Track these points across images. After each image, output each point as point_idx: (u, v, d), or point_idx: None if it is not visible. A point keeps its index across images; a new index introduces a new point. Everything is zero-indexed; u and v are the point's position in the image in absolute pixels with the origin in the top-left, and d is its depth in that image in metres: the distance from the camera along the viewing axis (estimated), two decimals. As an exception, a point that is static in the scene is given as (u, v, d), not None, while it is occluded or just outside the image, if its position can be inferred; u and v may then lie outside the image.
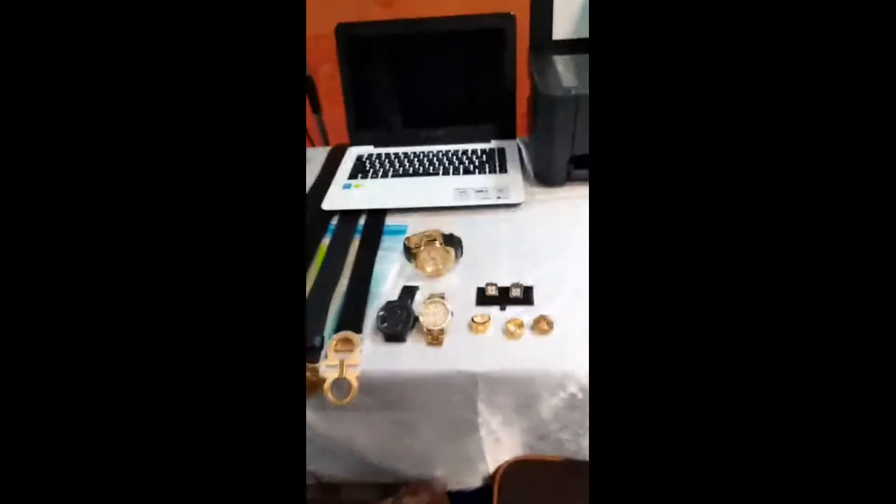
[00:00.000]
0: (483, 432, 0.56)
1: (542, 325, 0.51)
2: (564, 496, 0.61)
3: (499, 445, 0.59)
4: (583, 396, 0.50)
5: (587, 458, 0.59)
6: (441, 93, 0.86)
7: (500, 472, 0.61)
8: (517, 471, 0.62)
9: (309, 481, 0.61)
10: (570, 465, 0.61)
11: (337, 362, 0.50)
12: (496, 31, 0.79)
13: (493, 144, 0.85)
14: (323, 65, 1.16)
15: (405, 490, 0.59)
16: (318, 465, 0.59)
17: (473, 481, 0.62)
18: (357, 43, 0.83)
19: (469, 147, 0.85)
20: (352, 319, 0.54)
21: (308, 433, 0.55)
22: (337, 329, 0.53)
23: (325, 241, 0.69)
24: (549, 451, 0.60)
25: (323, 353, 0.51)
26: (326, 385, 0.49)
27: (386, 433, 0.55)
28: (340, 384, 0.49)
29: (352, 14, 0.83)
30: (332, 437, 0.55)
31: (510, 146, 0.84)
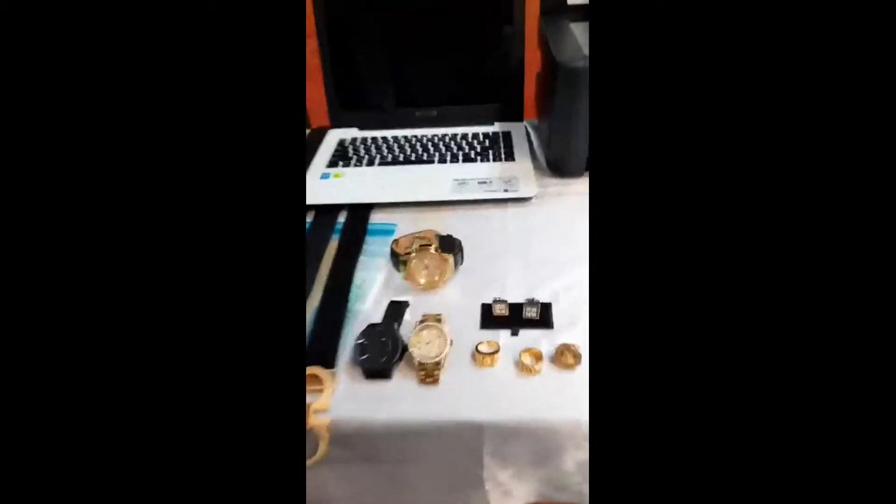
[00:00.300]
0: (489, 486, 0.45)
1: (567, 357, 0.40)
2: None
3: (508, 498, 0.48)
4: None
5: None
6: (437, 67, 0.74)
7: (508, 523, 0.51)
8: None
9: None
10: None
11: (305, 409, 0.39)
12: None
13: (498, 128, 0.73)
14: (309, 39, 1.03)
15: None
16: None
17: (476, 532, 0.52)
18: (339, 8, 0.70)
19: (470, 130, 0.73)
20: (323, 349, 0.43)
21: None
22: (308, 359, 0.42)
23: (297, 243, 0.57)
24: (566, 500, 0.50)
25: (284, 394, 0.40)
26: (287, 440, 0.38)
27: (369, 489, 0.45)
28: (310, 437, 0.38)
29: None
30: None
31: (517, 129, 0.72)
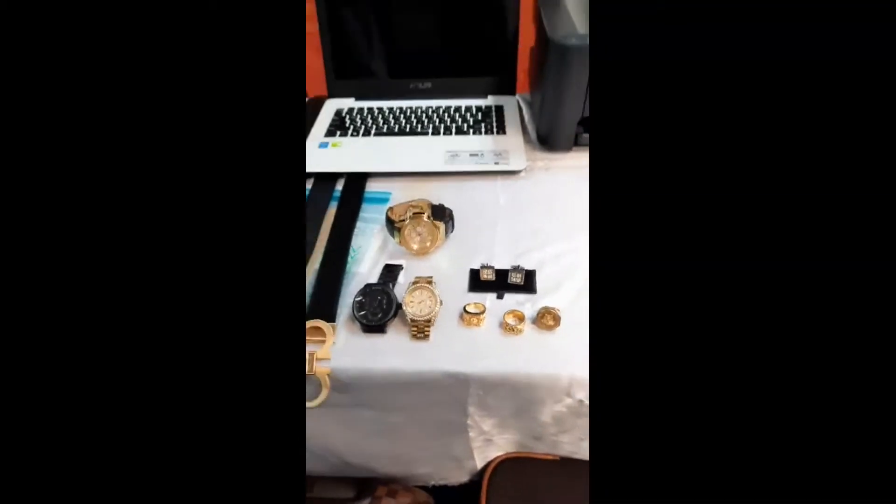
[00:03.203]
0: (473, 433, 0.50)
1: (547, 319, 0.44)
2: (558, 492, 0.56)
3: (490, 446, 0.53)
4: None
5: (585, 458, 0.54)
6: (431, 39, 0.75)
7: (490, 468, 0.56)
8: (507, 468, 0.56)
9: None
10: (565, 462, 0.56)
11: (305, 356, 0.42)
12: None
13: (491, 101, 0.75)
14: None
15: (383, 490, 0.53)
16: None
17: (459, 478, 0.57)
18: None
19: (463, 103, 0.75)
20: (324, 305, 0.46)
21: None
22: (309, 313, 0.45)
23: (297, 208, 0.60)
24: (543, 450, 0.55)
25: (288, 346, 0.44)
26: (291, 386, 0.42)
27: (364, 431, 0.49)
28: (309, 381, 0.42)
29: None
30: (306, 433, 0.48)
31: (510, 103, 0.74)
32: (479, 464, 0.55)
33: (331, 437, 0.50)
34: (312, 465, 0.53)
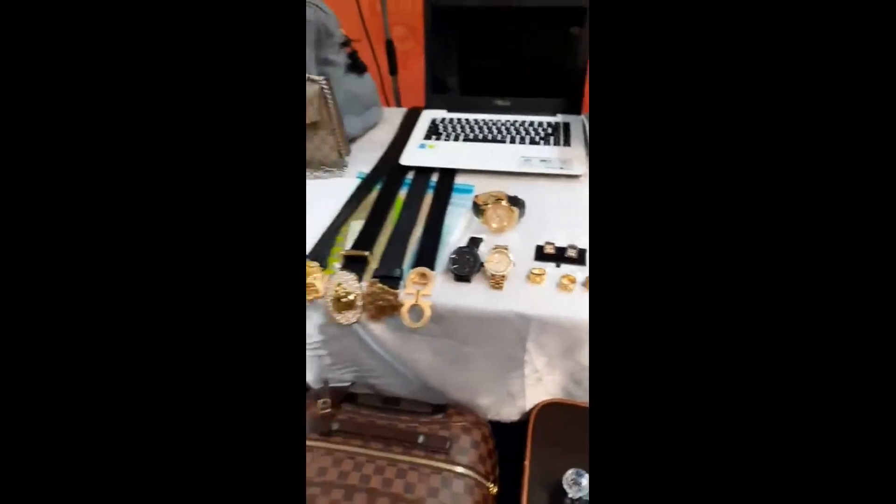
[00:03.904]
0: (528, 370, 0.64)
1: (593, 281, 0.59)
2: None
3: (539, 385, 0.68)
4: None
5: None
6: (514, 65, 0.92)
7: (536, 410, 0.70)
8: (551, 411, 0.70)
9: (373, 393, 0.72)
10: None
11: (414, 292, 0.59)
12: (576, 9, 0.84)
13: (559, 119, 0.90)
14: (395, 27, 1.22)
15: (453, 410, 0.68)
16: (382, 380, 0.70)
17: (511, 415, 0.71)
18: (443, 13, 0.89)
19: (536, 119, 0.90)
20: (427, 259, 0.63)
21: (380, 350, 0.65)
22: (414, 265, 0.62)
23: (402, 193, 0.77)
24: (581, 397, 0.68)
25: (402, 283, 0.61)
26: (404, 309, 0.58)
27: (445, 359, 0.65)
28: (416, 310, 0.59)
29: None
30: (399, 355, 0.65)
31: (575, 121, 0.89)
32: (528, 404, 0.70)
33: (418, 362, 0.66)
34: (397, 386, 0.70)
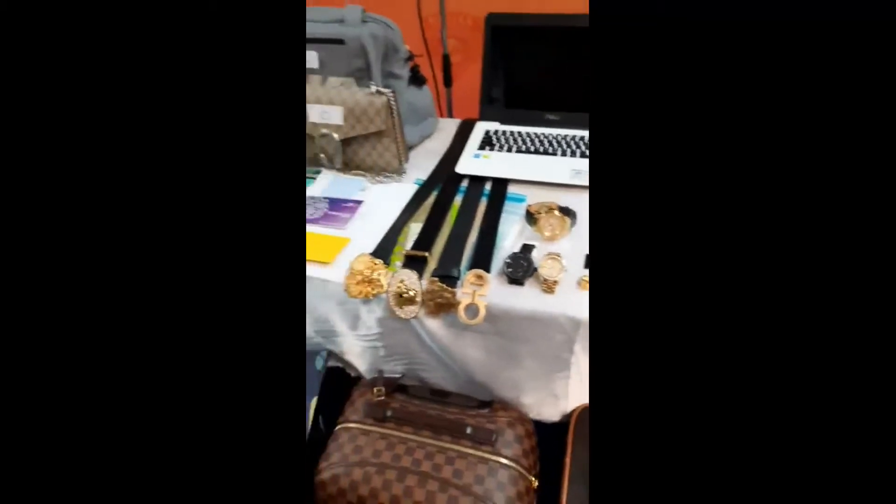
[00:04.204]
0: (573, 371, 0.68)
1: (641, 290, 0.62)
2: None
3: (581, 387, 0.71)
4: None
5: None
6: (565, 81, 0.96)
7: (578, 411, 0.73)
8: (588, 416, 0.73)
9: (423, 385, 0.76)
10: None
11: (470, 291, 0.64)
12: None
13: (609, 134, 0.94)
14: (450, 39, 1.28)
15: (498, 405, 0.72)
16: (432, 373, 0.75)
17: (552, 415, 0.75)
18: (501, 32, 0.94)
19: (585, 133, 0.94)
20: (482, 262, 0.68)
21: (433, 345, 0.70)
22: (470, 267, 0.67)
23: (458, 199, 0.82)
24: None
25: (459, 282, 0.65)
26: (461, 307, 0.63)
27: (494, 356, 0.69)
28: (472, 308, 0.63)
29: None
30: (451, 350, 0.69)
31: (625, 138, 0.92)
32: (570, 406, 0.73)
33: (468, 358, 0.70)
34: (447, 381, 0.75)
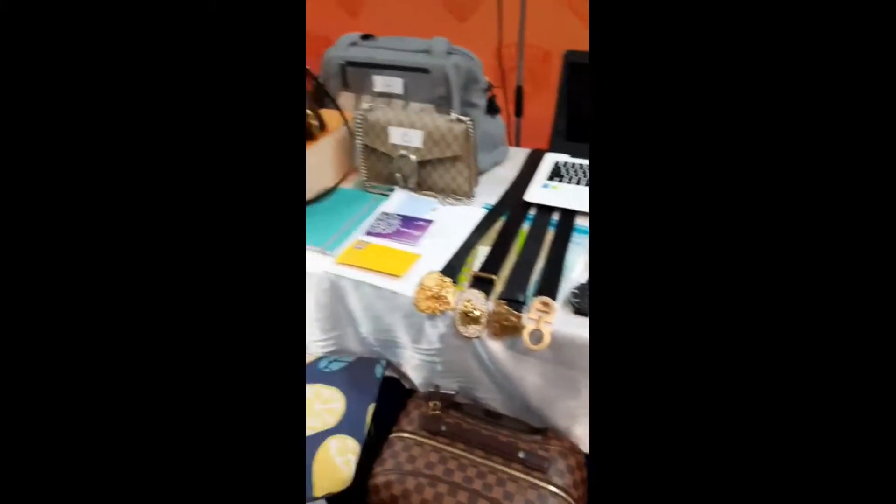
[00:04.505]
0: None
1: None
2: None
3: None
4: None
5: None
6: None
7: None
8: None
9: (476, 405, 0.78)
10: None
11: (536, 317, 0.65)
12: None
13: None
14: (511, 73, 1.32)
15: (551, 434, 0.73)
16: (486, 395, 0.76)
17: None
18: (577, 69, 0.97)
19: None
20: (548, 289, 0.70)
21: (492, 366, 0.71)
22: (535, 294, 0.69)
23: (525, 226, 0.85)
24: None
25: (525, 307, 0.67)
26: (526, 332, 0.65)
27: (552, 384, 0.70)
28: (536, 334, 0.65)
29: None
30: (509, 373, 0.71)
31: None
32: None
33: (526, 382, 0.71)
34: (499, 403, 0.76)
